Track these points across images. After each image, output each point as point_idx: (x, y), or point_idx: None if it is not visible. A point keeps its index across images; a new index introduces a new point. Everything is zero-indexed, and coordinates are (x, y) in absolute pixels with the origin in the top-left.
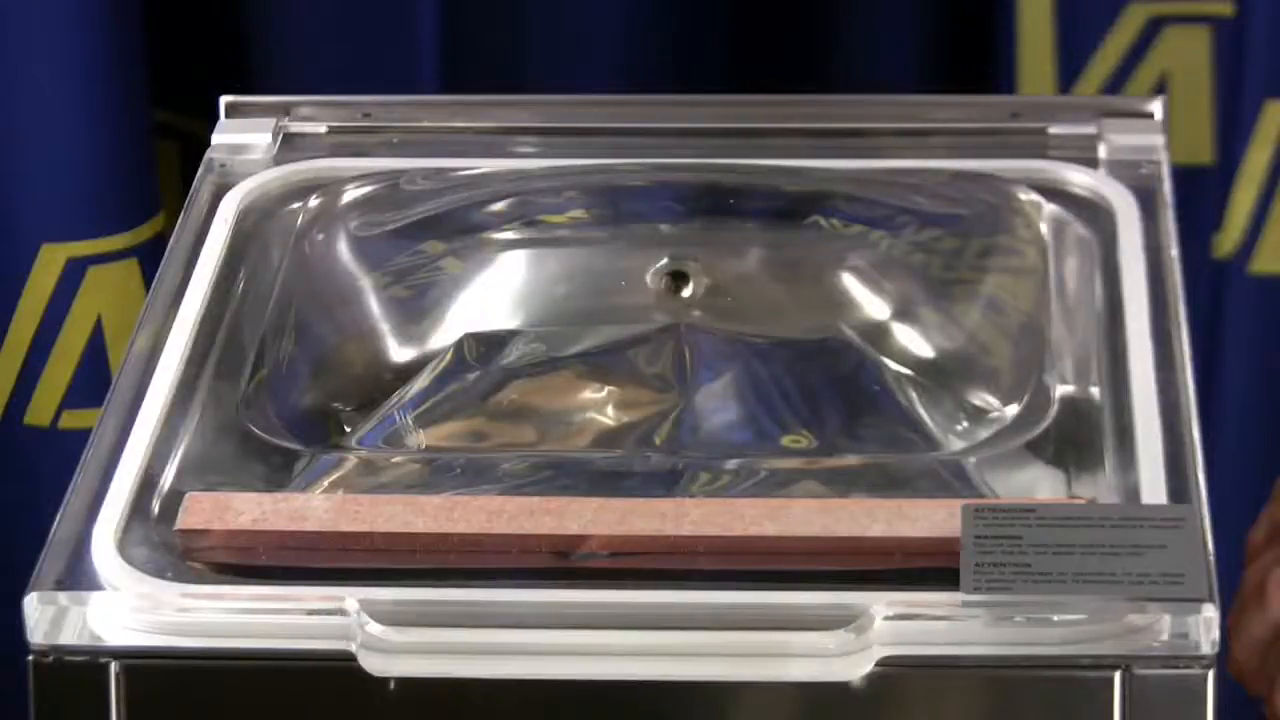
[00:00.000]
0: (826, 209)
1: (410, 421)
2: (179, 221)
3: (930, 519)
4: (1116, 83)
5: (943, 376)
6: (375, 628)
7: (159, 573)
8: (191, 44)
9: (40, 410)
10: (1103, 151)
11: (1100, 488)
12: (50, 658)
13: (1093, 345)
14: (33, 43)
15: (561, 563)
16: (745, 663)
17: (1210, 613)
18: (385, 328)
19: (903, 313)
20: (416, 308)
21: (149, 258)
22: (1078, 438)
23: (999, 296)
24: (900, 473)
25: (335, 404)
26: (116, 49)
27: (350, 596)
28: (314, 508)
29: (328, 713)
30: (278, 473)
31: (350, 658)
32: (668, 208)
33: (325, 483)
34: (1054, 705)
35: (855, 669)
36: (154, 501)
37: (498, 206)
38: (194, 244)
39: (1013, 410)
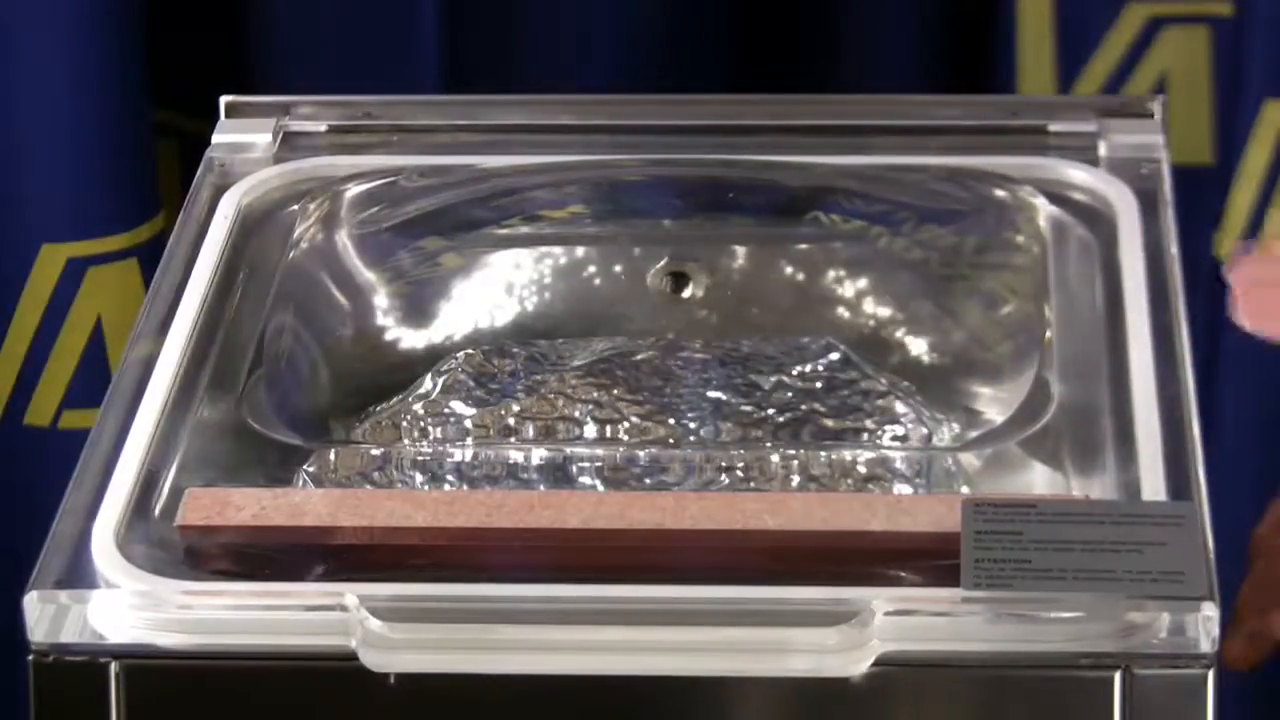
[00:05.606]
0: (826, 205)
1: (409, 417)
2: (179, 221)
3: (930, 514)
4: (1116, 82)
5: (942, 373)
6: (375, 624)
7: (159, 570)
8: (191, 44)
9: (40, 410)
10: (1103, 150)
11: (1100, 485)
12: (50, 657)
13: (1093, 343)
14: (33, 43)
15: (561, 558)
16: (745, 658)
17: (1210, 611)
18: (385, 324)
19: (902, 309)
20: (416, 304)
21: (149, 258)
22: (1078, 434)
23: (999, 293)
24: (900, 468)
25: (335, 400)
26: (116, 49)
27: (350, 592)
28: (313, 503)
29: (328, 709)
30: (277, 469)
31: (350, 654)
32: (668, 203)
33: (325, 479)
34: (1054, 703)
35: (855, 665)
36: (154, 499)
37: (497, 202)
38: (193, 243)
39: (1012, 407)
